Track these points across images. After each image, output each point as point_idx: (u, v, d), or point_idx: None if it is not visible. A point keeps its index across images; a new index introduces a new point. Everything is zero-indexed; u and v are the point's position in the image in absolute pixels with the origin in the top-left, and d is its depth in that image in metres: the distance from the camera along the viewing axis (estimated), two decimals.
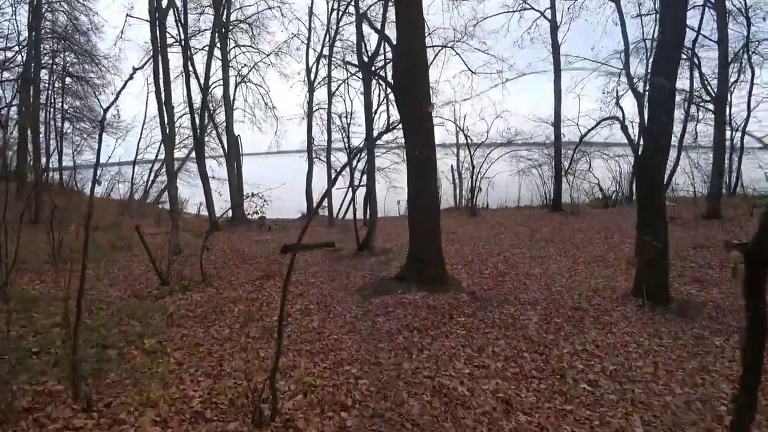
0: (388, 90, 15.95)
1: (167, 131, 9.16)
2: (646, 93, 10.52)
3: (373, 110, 11.99)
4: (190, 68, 13.65)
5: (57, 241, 8.25)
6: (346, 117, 12.87)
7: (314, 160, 18.21)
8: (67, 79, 19.62)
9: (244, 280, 7.18)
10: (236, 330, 4.67)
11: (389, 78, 14.20)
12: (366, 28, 8.59)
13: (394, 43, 6.42)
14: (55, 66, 19.10)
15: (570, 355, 4.00)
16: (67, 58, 18.90)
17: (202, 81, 14.16)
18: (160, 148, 20.40)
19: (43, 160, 19.51)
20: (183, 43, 12.95)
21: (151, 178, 20.84)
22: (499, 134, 17.64)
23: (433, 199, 6.15)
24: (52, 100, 20.12)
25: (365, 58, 8.80)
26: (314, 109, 17.82)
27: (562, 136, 16.10)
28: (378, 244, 10.18)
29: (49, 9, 16.75)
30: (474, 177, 16.79)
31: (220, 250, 10.27)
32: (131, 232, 10.28)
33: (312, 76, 17.43)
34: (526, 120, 19.82)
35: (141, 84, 17.25)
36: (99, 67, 18.43)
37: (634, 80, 13.67)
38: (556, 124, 16.02)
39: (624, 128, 8.36)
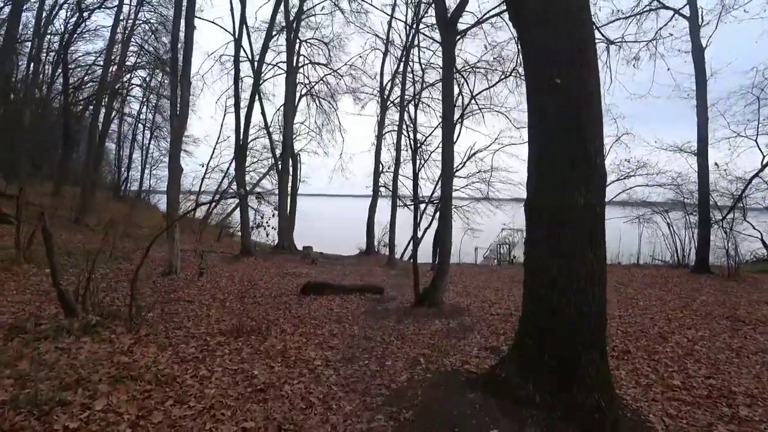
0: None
1: (177, 112, 6.91)
2: None
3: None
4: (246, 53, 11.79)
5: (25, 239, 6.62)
6: (414, 104, 9.33)
7: (380, 189, 15.46)
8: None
9: (203, 331, 4.08)
10: None
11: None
12: None
13: None
14: (148, 84, 20.05)
15: None
16: (164, 81, 19.49)
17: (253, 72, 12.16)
18: (229, 167, 19.64)
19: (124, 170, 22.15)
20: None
21: (216, 198, 19.81)
22: (617, 166, 13.17)
23: (595, 201, 2.49)
24: (143, 116, 21.89)
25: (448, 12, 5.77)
26: (385, 131, 15.35)
27: (714, 168, 11.10)
28: (448, 298, 6.61)
29: (150, 29, 17.17)
30: None
31: (227, 278, 7.49)
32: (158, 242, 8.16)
33: (386, 93, 15.15)
34: (652, 149, 13.76)
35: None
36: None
37: None
38: (701, 151, 11.07)
39: None
